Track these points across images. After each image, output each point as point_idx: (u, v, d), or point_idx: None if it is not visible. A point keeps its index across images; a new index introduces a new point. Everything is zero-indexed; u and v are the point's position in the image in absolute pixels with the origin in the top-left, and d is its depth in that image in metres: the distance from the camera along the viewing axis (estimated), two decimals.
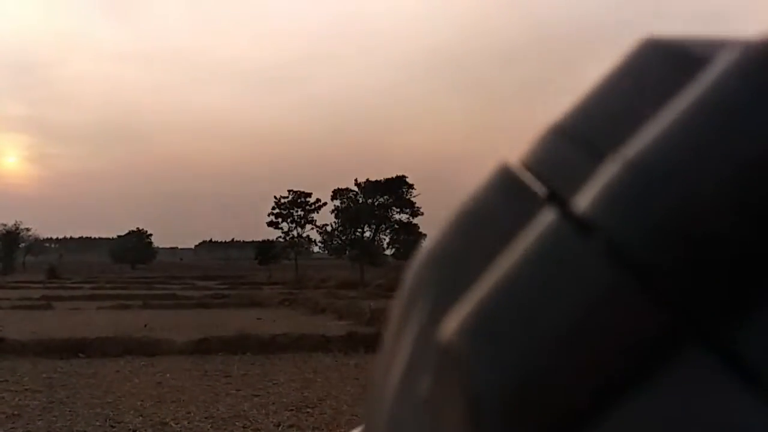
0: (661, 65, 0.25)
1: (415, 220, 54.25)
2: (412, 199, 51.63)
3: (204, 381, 9.74)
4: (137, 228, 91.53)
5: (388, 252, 72.46)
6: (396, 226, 53.64)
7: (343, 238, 52.28)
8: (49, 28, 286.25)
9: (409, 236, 65.02)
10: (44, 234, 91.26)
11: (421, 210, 52.52)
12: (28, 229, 63.54)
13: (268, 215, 52.04)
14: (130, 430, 7.16)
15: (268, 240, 59.09)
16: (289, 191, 52.23)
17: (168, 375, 10.14)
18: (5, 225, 60.33)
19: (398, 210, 51.89)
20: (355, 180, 52.39)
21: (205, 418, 7.61)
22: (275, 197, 52.19)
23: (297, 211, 51.95)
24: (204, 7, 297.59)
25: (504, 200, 0.27)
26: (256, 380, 9.81)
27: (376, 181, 51.30)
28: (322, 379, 9.92)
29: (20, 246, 62.20)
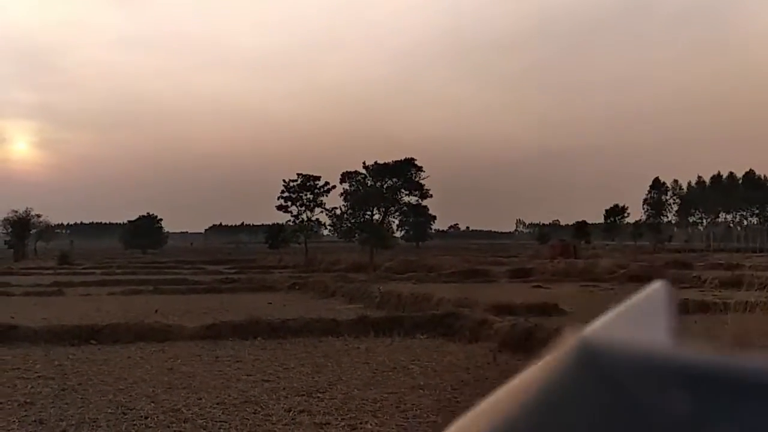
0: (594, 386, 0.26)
1: (425, 203, 54.14)
2: (420, 181, 51.44)
3: (215, 366, 9.76)
4: (148, 213, 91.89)
5: (397, 234, 72.41)
6: (405, 209, 53.52)
7: (353, 221, 52.27)
8: (56, 15, 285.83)
9: (418, 218, 64.91)
10: (55, 220, 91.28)
11: (430, 192, 52.33)
12: (38, 216, 63.72)
13: (278, 199, 52.06)
14: (141, 416, 7.17)
15: (277, 224, 59.16)
16: (298, 175, 52.20)
17: (179, 361, 10.17)
18: (16, 211, 60.58)
19: (407, 192, 51.74)
20: (364, 163, 52.32)
21: (217, 404, 7.63)
22: (284, 181, 52.16)
23: (306, 195, 51.90)
24: None
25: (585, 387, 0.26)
26: (266, 365, 9.82)
27: (385, 163, 51.18)
28: (333, 363, 9.93)
29: (31, 232, 62.41)
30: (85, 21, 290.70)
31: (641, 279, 26.15)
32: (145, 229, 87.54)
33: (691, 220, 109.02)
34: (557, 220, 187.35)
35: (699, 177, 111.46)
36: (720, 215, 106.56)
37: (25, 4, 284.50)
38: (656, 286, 0.44)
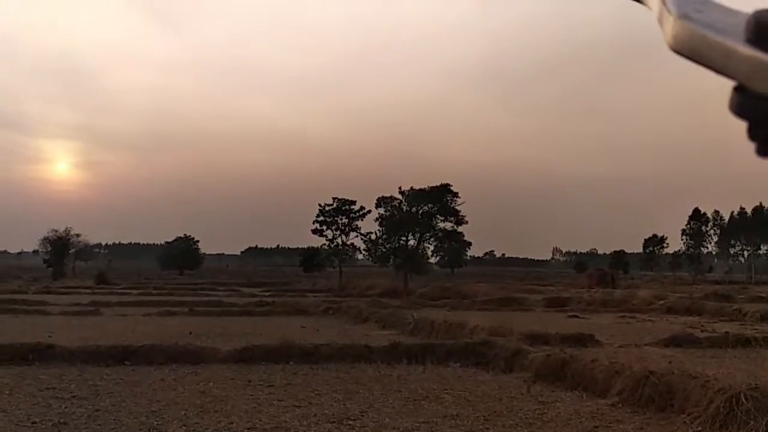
0: None
1: (460, 229, 53.90)
2: (456, 207, 51.28)
3: (247, 390, 9.75)
4: (185, 234, 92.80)
5: (432, 260, 72.14)
6: (440, 235, 53.32)
7: (387, 246, 52.19)
8: (99, 37, 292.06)
9: (453, 244, 64.64)
10: (94, 240, 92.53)
11: (466, 218, 52.12)
12: (78, 235, 64.61)
13: (313, 222, 52.24)
14: None
15: (312, 247, 59.28)
16: (333, 199, 52.40)
17: (211, 384, 10.17)
18: (56, 231, 61.47)
19: (442, 218, 51.60)
20: (399, 188, 52.36)
21: (248, 428, 7.60)
22: (319, 205, 52.36)
23: (341, 219, 52.04)
24: (247, 18, 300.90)
25: None
26: (298, 390, 9.78)
27: (420, 189, 51.15)
28: (365, 390, 9.86)
29: (70, 252, 63.26)
30: (127, 44, 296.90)
31: (680, 311, 25.69)
32: (182, 251, 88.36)
33: (732, 252, 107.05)
34: (595, 249, 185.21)
35: (741, 208, 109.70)
36: (761, 247, 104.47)
37: (70, 26, 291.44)
38: None
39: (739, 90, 0.34)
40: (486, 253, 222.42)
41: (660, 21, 0.40)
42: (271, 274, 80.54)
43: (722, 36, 0.34)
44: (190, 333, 15.85)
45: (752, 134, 0.34)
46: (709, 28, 0.36)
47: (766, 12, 0.34)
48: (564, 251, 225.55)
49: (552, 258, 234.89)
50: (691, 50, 0.36)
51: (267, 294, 35.70)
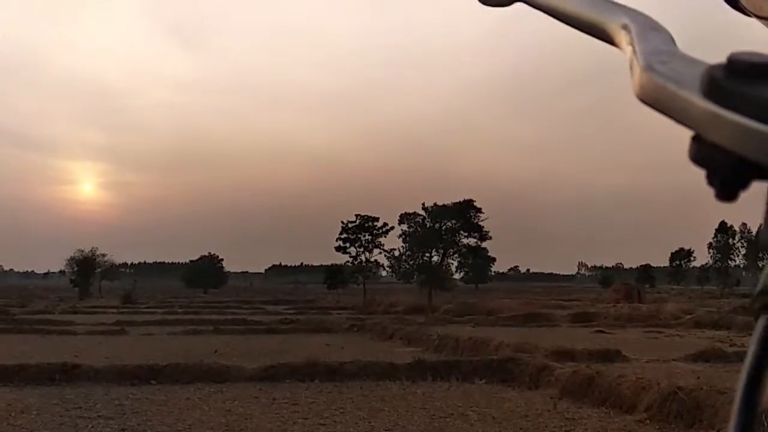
0: None
1: (484, 244, 53.71)
2: (480, 223, 51.13)
3: (272, 409, 9.75)
4: (209, 253, 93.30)
5: (456, 276, 71.97)
6: (464, 250, 53.15)
7: (411, 262, 52.14)
8: (124, 59, 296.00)
9: (477, 260, 64.46)
10: (119, 259, 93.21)
11: (489, 234, 51.92)
12: (104, 255, 65.15)
13: (336, 240, 52.32)
14: None
15: (336, 264, 59.34)
16: (356, 216, 52.46)
17: (236, 402, 10.19)
18: (82, 251, 62.01)
19: (466, 234, 51.43)
20: (423, 204, 52.34)
21: None
22: (342, 222, 52.46)
23: (365, 236, 52.07)
24: (270, 38, 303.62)
25: None
26: (323, 408, 9.77)
27: (444, 205, 51.08)
28: (389, 408, 9.83)
29: (96, 271, 63.77)
30: (152, 65, 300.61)
31: (708, 325, 25.34)
32: (207, 269, 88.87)
33: (760, 265, 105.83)
34: (620, 263, 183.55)
35: None
36: None
37: (95, 48, 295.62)
38: None
39: (696, 139, 0.35)
40: (511, 269, 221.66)
41: (630, 67, 0.41)
42: (295, 292, 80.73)
43: (682, 88, 0.36)
44: (216, 351, 15.90)
45: (710, 181, 0.35)
46: (670, 80, 0.37)
47: (719, 66, 0.35)
48: (589, 266, 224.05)
49: (577, 273, 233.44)
50: (655, 101, 0.38)
51: (291, 312, 35.74)
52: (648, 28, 0.46)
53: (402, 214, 53.05)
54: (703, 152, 0.35)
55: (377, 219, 52.67)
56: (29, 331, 21.49)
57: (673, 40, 0.44)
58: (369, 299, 44.82)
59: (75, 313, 33.51)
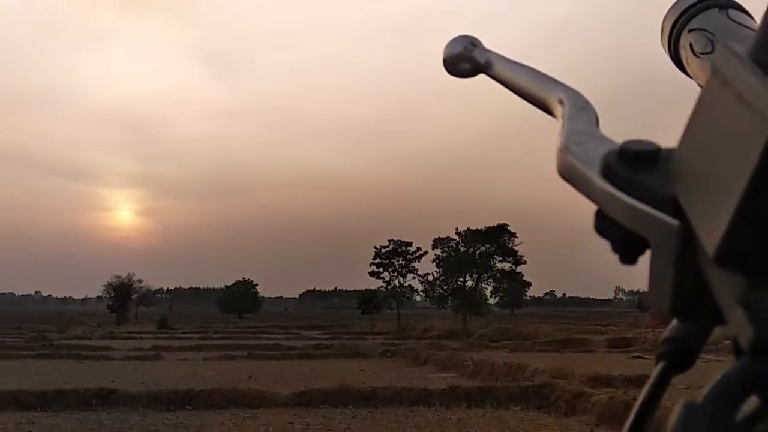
0: None
1: (519, 269, 53.30)
2: (514, 247, 50.80)
3: None
4: (243, 278, 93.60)
5: (491, 301, 71.48)
6: (498, 275, 52.79)
7: (445, 287, 51.86)
8: (159, 89, 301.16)
9: (512, 285, 63.99)
10: (155, 285, 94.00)
11: (524, 258, 51.54)
12: (140, 281, 65.70)
13: (370, 265, 52.27)
14: None
15: (369, 289, 59.26)
16: (389, 241, 52.42)
17: (271, 428, 10.19)
18: (119, 277, 62.62)
19: (500, 258, 51.11)
20: (456, 229, 52.11)
21: None
22: (375, 247, 52.44)
23: (398, 261, 51.99)
24: (304, 67, 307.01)
25: None
26: None
27: (477, 229, 50.85)
28: None
29: (133, 297, 64.34)
30: (187, 94, 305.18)
31: None
32: (241, 294, 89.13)
33: None
34: None
35: None
36: None
37: (132, 77, 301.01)
38: None
39: (598, 214, 0.40)
40: (546, 293, 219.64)
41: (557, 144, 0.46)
42: (329, 317, 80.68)
43: (588, 169, 0.41)
44: (250, 377, 15.93)
45: (613, 250, 0.40)
46: (580, 161, 0.42)
47: (614, 152, 0.40)
48: (627, 290, 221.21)
49: (614, 297, 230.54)
50: (568, 177, 0.43)
51: (325, 337, 35.73)
52: (577, 107, 0.51)
53: (435, 239, 52.79)
54: (603, 225, 0.40)
55: (410, 244, 52.59)
56: (67, 356, 21.72)
57: (596, 121, 0.49)
58: (403, 324, 44.65)
59: (112, 338, 33.84)
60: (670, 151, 0.39)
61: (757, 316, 0.31)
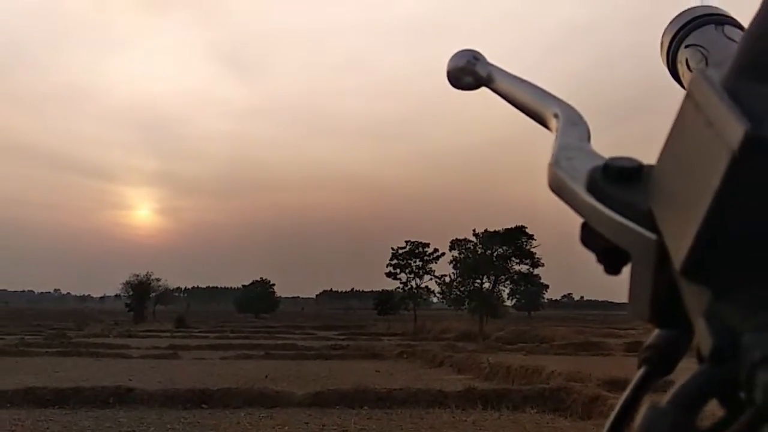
0: None
1: (536, 271, 53.07)
2: (532, 249, 50.59)
3: None
4: (261, 278, 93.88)
5: (508, 303, 71.24)
6: (516, 277, 52.59)
7: (462, 288, 51.71)
8: (178, 88, 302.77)
9: (530, 287, 63.73)
10: (173, 284, 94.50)
11: (542, 261, 51.32)
12: (158, 279, 66.00)
13: (387, 266, 52.26)
14: None
15: (386, 290, 59.25)
16: (406, 242, 52.38)
17: (286, 428, 10.21)
18: (137, 275, 62.98)
19: (518, 261, 50.90)
20: (473, 230, 51.96)
21: None
22: (392, 248, 52.41)
23: (415, 262, 51.94)
24: (322, 66, 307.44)
25: None
26: None
27: (495, 231, 50.69)
28: None
29: (151, 296, 64.67)
30: (206, 93, 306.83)
31: None
32: (258, 294, 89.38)
33: None
34: None
35: None
36: None
37: (153, 76, 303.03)
38: None
39: (584, 226, 0.43)
40: (564, 296, 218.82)
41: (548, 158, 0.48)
42: (345, 318, 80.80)
43: (575, 183, 0.43)
44: (266, 376, 15.98)
45: (598, 261, 0.43)
46: (568, 175, 0.44)
47: (598, 168, 0.43)
48: None
49: None
50: (557, 191, 0.45)
51: (341, 337, 35.77)
52: (570, 122, 0.53)
53: (452, 240, 52.65)
54: (588, 237, 0.43)
55: (428, 245, 52.53)
56: (85, 354, 21.88)
57: (588, 135, 0.51)
58: (419, 326, 44.62)
59: (130, 336, 34.03)
60: (651, 167, 0.42)
61: (717, 327, 0.33)
